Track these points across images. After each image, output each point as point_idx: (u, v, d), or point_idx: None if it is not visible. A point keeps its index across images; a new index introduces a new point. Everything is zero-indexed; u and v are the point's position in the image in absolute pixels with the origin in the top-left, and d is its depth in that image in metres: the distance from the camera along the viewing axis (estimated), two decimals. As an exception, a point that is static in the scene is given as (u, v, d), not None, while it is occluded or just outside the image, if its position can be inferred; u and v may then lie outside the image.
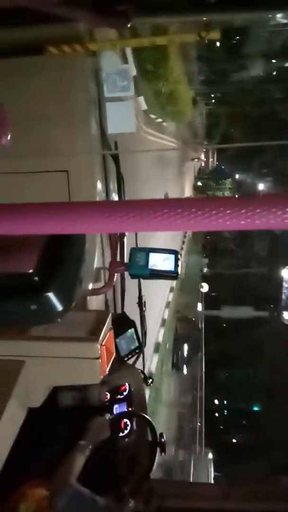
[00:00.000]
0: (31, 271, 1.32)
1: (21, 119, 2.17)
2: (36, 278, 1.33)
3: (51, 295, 1.34)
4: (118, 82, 2.59)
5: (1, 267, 1.31)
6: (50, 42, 2.30)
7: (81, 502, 1.66)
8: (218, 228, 0.62)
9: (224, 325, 25.43)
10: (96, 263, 2.33)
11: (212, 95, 23.46)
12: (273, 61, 17.66)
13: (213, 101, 24.83)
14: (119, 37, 2.34)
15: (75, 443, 1.87)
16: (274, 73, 18.67)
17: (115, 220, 0.63)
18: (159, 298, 13.42)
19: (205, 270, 29.16)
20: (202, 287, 21.54)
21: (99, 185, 2.79)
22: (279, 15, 3.13)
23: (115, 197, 2.84)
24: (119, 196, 2.66)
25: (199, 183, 34.80)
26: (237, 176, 33.26)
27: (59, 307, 1.37)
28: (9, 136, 1.55)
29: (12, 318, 1.42)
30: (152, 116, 9.25)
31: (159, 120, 10.38)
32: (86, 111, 2.59)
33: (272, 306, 22.69)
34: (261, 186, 27.84)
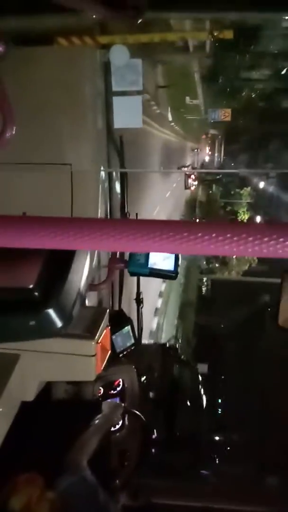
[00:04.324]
0: (31, 286, 1.30)
1: (27, 109, 2.15)
2: (36, 294, 1.31)
3: (51, 311, 1.33)
4: (127, 76, 2.57)
5: (1, 281, 1.30)
6: (60, 33, 2.27)
7: (84, 489, 1.67)
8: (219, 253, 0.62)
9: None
10: (96, 260, 2.32)
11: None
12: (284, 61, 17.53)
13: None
14: (130, 32, 2.32)
15: (79, 430, 1.87)
16: (284, 71, 18.52)
17: (113, 238, 0.62)
18: (153, 288, 13.49)
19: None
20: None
21: (103, 178, 2.78)
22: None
23: (118, 192, 2.83)
24: (122, 193, 2.65)
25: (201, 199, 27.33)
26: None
27: (59, 324, 1.36)
28: (14, 129, 1.54)
29: (10, 333, 1.41)
30: (152, 103, 9.02)
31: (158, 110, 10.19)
32: (93, 104, 2.56)
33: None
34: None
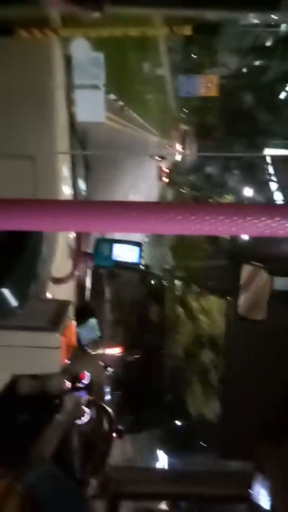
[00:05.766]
0: None
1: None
2: None
3: (5, 291, 1.33)
4: (89, 70, 2.57)
5: None
6: (20, 24, 2.24)
7: (51, 481, 1.68)
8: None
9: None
10: (60, 252, 2.32)
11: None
12: (246, 58, 17.82)
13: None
14: (91, 25, 2.32)
15: (43, 424, 1.88)
16: (244, 70, 18.80)
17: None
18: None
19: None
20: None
21: (66, 172, 2.76)
22: (251, 15, 3.18)
23: (81, 185, 2.82)
24: (87, 185, 2.65)
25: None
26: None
27: (14, 303, 1.37)
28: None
29: None
30: (113, 97, 8.78)
31: (121, 103, 9.90)
32: (55, 97, 2.54)
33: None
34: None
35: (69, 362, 2.05)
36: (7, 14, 2.24)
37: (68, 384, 2.29)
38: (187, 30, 2.29)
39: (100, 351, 2.58)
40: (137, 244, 2.33)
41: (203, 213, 0.65)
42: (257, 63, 18.37)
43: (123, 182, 12.44)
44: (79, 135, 2.74)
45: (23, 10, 2.29)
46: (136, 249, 2.27)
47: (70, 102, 2.58)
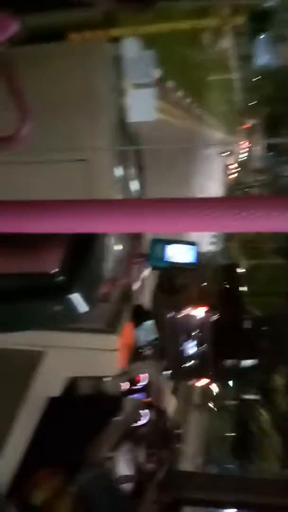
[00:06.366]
0: (55, 271, 1.30)
1: (41, 106, 2.15)
2: (61, 279, 1.31)
3: (76, 295, 1.32)
4: (140, 68, 2.55)
5: (25, 267, 1.29)
6: (71, 28, 2.26)
7: (104, 485, 1.68)
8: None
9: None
10: (116, 254, 2.31)
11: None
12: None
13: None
14: (142, 23, 2.29)
15: (101, 426, 1.88)
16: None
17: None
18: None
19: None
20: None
21: (119, 174, 2.76)
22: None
23: (136, 186, 2.81)
24: (140, 186, 2.63)
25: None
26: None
27: (84, 308, 1.35)
28: (30, 126, 1.53)
29: (36, 320, 1.41)
30: (178, 94, 8.47)
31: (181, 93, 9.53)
32: (107, 99, 2.55)
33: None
34: None
35: (127, 364, 2.03)
36: (58, 19, 2.27)
37: (125, 386, 2.28)
38: (239, 19, 2.20)
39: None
40: (193, 243, 2.27)
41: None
42: None
43: (186, 181, 11.99)
44: (131, 135, 2.73)
45: (73, 14, 2.31)
46: (192, 248, 2.21)
47: (121, 102, 2.58)
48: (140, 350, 2.30)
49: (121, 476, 1.80)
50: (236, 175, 22.24)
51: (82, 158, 2.48)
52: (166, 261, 2.25)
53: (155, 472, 2.20)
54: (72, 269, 1.32)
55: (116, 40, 2.42)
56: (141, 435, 2.26)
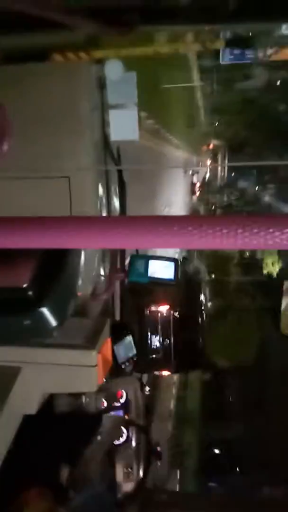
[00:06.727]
0: (25, 285, 1.31)
1: (24, 125, 2.18)
2: (31, 293, 1.32)
3: (45, 310, 1.33)
4: (122, 89, 2.61)
5: None
6: (55, 49, 2.32)
7: (98, 504, 1.65)
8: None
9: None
10: (96, 270, 2.33)
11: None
12: (278, 71, 17.72)
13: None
14: (123, 45, 2.36)
15: (85, 444, 1.87)
16: (278, 83, 18.65)
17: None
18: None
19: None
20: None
21: (101, 191, 2.79)
22: (284, 26, 3.14)
23: (116, 203, 2.84)
24: (121, 203, 2.66)
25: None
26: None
27: (54, 323, 1.36)
28: (10, 143, 1.56)
29: (6, 335, 1.41)
30: (149, 121, 9.10)
31: (152, 121, 10.13)
32: (90, 118, 2.59)
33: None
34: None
35: (106, 380, 2.02)
36: (41, 39, 2.32)
37: (105, 403, 2.26)
38: (220, 43, 2.29)
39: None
40: (173, 260, 2.30)
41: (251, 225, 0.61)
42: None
43: (158, 197, 12.50)
44: (113, 154, 2.77)
45: (56, 35, 2.36)
46: (171, 265, 2.24)
47: (104, 121, 2.63)
48: (119, 366, 2.29)
49: (108, 495, 1.78)
50: (199, 192, 23.38)
51: (65, 175, 2.51)
52: (147, 277, 2.27)
53: (134, 491, 2.17)
54: (42, 283, 1.33)
55: (98, 61, 2.48)
56: (121, 453, 2.24)
